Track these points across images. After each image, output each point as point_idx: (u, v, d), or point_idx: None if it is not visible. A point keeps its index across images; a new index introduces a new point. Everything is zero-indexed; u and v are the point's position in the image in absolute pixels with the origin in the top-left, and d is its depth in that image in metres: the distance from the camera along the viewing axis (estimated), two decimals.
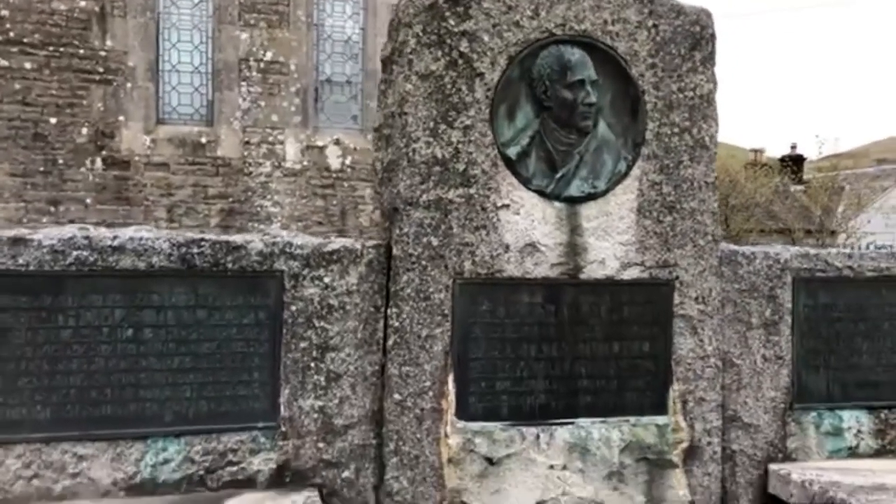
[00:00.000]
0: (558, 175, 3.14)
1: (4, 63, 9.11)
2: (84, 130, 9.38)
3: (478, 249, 3.07)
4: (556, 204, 3.15)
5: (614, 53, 3.19)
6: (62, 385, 2.80)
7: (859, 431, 3.57)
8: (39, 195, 9.31)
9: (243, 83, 9.79)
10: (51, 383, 2.79)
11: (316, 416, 3.03)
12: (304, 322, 3.02)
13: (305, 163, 10.11)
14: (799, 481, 3.23)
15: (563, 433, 3.14)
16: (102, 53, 9.40)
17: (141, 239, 2.87)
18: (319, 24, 10.18)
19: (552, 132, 3.13)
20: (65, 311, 2.80)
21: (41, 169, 9.28)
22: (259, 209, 10.01)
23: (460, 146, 3.05)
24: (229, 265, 2.95)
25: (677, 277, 3.27)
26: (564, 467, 3.14)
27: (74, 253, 2.80)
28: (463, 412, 3.06)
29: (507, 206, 3.10)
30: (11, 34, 9.07)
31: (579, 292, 3.18)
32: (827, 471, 3.31)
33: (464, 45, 3.03)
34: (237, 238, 2.98)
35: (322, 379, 3.04)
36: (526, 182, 3.12)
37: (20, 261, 2.76)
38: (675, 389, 3.25)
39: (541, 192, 3.13)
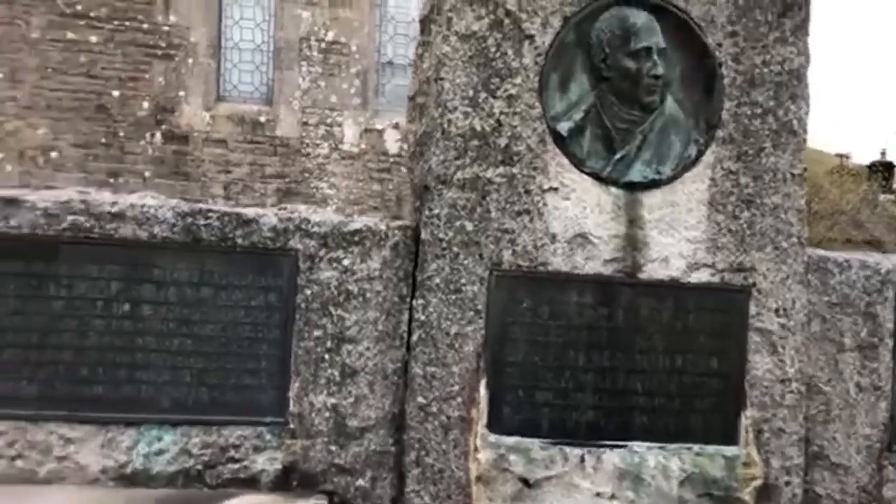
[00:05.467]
0: (617, 157, 2.72)
1: (72, 36, 9.14)
2: (145, 104, 9.35)
3: (519, 238, 2.68)
4: (613, 190, 2.73)
5: (687, 18, 2.74)
6: (51, 360, 2.56)
7: None
8: (100, 167, 9.34)
9: (303, 63, 9.58)
10: (40, 357, 2.55)
11: (328, 414, 2.71)
12: (318, 308, 2.69)
13: (363, 146, 9.85)
14: None
15: (612, 457, 2.73)
16: (165, 29, 9.34)
17: (143, 206, 2.59)
18: (383, 4, 9.90)
19: (611, 107, 2.71)
20: (57, 279, 2.55)
21: (102, 141, 9.30)
22: (315, 191, 9.80)
23: (503, 118, 2.66)
24: (238, 240, 2.65)
25: (754, 284, 2.81)
26: (613, 496, 2.72)
27: (70, 217, 2.55)
28: (496, 424, 2.69)
29: (556, 189, 2.70)
30: (78, 7, 9.08)
31: (637, 294, 2.76)
32: None
33: (511, 2, 2.64)
34: (248, 211, 2.68)
35: (336, 373, 2.71)
36: (578, 163, 2.71)
37: (12, 223, 2.52)
38: (749, 416, 2.79)
39: (595, 176, 2.72)
